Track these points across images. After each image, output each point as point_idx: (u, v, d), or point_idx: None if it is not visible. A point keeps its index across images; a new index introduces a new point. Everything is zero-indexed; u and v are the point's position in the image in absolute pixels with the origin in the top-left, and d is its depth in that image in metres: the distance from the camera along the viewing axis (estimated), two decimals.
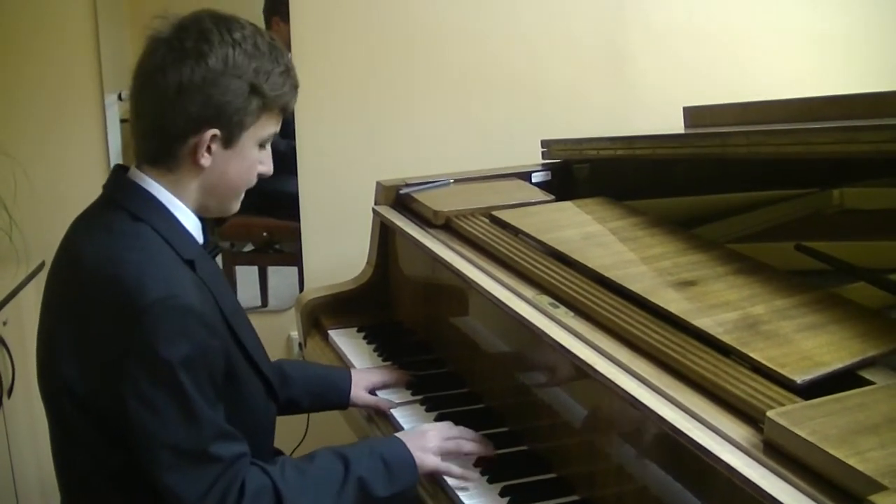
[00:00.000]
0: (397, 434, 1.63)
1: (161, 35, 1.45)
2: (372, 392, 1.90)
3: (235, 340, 1.49)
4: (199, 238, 1.52)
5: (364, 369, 1.98)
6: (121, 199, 1.47)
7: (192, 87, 1.41)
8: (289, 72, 1.50)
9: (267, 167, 1.54)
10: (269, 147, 1.54)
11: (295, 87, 1.52)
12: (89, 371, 1.39)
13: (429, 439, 1.60)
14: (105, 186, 1.53)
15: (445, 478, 1.58)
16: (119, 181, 1.50)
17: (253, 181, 1.54)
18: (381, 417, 1.86)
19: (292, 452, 1.78)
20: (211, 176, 1.48)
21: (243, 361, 1.51)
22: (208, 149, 1.45)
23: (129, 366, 1.34)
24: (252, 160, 1.50)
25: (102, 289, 1.37)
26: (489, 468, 1.61)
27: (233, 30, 1.44)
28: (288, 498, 1.42)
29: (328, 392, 1.85)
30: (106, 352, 1.36)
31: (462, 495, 1.54)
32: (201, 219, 1.53)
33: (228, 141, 1.46)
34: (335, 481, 1.47)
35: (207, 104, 1.42)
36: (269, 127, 1.50)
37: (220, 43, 1.42)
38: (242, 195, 1.55)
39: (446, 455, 1.60)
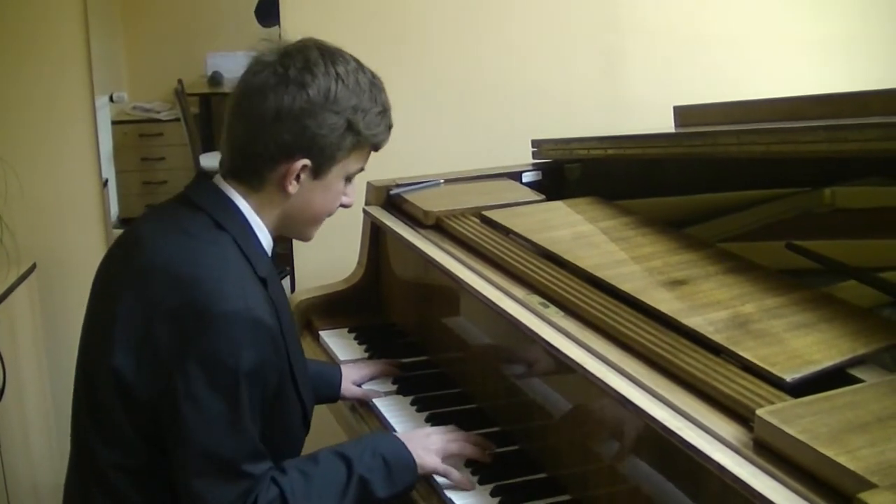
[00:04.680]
0: (399, 434, 1.63)
1: (266, 58, 1.46)
2: (359, 385, 1.92)
3: (288, 362, 1.50)
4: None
5: (352, 363, 2.00)
6: (204, 203, 1.48)
7: (291, 115, 1.43)
8: (385, 112, 1.53)
9: (349, 199, 1.57)
10: (354, 180, 1.56)
11: (389, 126, 1.55)
12: (144, 364, 1.39)
13: (432, 441, 1.60)
14: (188, 188, 1.54)
15: (437, 478, 1.58)
16: (204, 186, 1.51)
17: (333, 212, 1.56)
18: (364, 408, 1.88)
19: None
20: (295, 203, 1.50)
21: (290, 383, 1.52)
22: (297, 177, 1.47)
23: (191, 366, 1.35)
24: (337, 192, 1.53)
25: (177, 288, 1.38)
26: (481, 467, 1.60)
27: (337, 63, 1.47)
28: None
29: (321, 387, 1.86)
30: (168, 349, 1.37)
31: (453, 495, 1.54)
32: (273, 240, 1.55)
33: (318, 172, 1.48)
34: (339, 484, 1.48)
35: (303, 134, 1.44)
36: (358, 163, 1.54)
37: (323, 75, 1.44)
38: (321, 224, 1.58)
39: (448, 458, 1.59)
